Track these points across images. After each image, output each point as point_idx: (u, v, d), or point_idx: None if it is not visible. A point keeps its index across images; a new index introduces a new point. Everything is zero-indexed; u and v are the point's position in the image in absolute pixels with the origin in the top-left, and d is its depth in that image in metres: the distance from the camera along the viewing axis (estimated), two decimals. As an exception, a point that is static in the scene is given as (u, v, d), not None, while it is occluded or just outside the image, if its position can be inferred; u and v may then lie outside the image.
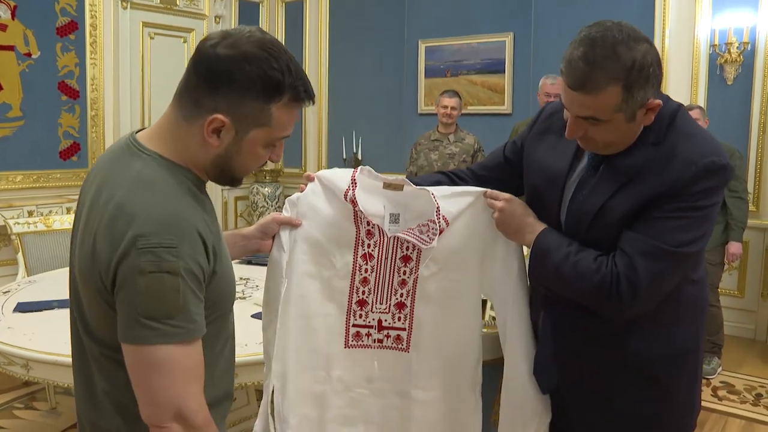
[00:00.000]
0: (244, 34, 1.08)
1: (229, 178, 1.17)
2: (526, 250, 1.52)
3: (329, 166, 6.55)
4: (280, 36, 6.95)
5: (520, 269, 1.55)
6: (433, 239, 1.52)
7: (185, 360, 1.04)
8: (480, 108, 5.59)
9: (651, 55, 1.27)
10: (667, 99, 1.39)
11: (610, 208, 1.36)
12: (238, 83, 1.06)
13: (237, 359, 1.57)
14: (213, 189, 6.49)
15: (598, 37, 1.26)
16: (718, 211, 1.37)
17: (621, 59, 1.24)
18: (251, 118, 1.09)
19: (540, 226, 1.46)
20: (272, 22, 6.98)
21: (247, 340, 2.06)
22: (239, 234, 1.55)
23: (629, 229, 1.34)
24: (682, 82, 4.63)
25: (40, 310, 2.44)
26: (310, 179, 1.57)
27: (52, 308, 2.44)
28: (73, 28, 5.20)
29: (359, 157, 6.34)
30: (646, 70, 1.26)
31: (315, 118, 6.76)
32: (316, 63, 6.69)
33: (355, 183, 1.55)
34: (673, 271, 1.34)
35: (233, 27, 1.13)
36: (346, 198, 1.54)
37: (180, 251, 1.01)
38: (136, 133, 1.17)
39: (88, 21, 5.24)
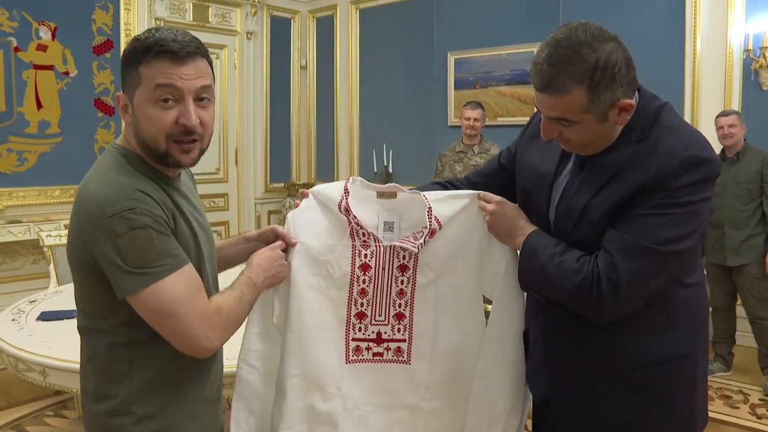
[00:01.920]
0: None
1: (155, 152, 1.28)
2: None
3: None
4: (311, 50, 7.05)
5: (515, 271, 1.52)
6: (425, 241, 1.52)
7: (183, 283, 1.23)
8: (509, 119, 5.54)
9: (617, 55, 1.25)
10: (653, 97, 1.37)
11: (594, 206, 1.33)
12: (123, 62, 1.29)
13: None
14: (247, 205, 6.59)
15: (563, 38, 1.26)
16: (708, 208, 1.31)
17: (584, 60, 1.24)
18: (132, 85, 1.27)
19: (530, 228, 1.44)
20: (304, 37, 7.09)
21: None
22: (243, 237, 1.64)
23: (612, 228, 1.31)
24: (716, 88, 4.46)
25: (61, 319, 2.51)
26: (305, 195, 1.59)
27: (73, 317, 2.49)
28: (108, 46, 5.37)
29: (390, 170, 6.35)
30: (611, 69, 1.25)
31: (347, 131, 6.82)
32: (346, 76, 6.75)
33: (348, 192, 1.57)
34: (657, 270, 1.29)
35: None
36: (340, 208, 1.55)
37: (140, 209, 1.20)
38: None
39: (123, 39, 5.40)
